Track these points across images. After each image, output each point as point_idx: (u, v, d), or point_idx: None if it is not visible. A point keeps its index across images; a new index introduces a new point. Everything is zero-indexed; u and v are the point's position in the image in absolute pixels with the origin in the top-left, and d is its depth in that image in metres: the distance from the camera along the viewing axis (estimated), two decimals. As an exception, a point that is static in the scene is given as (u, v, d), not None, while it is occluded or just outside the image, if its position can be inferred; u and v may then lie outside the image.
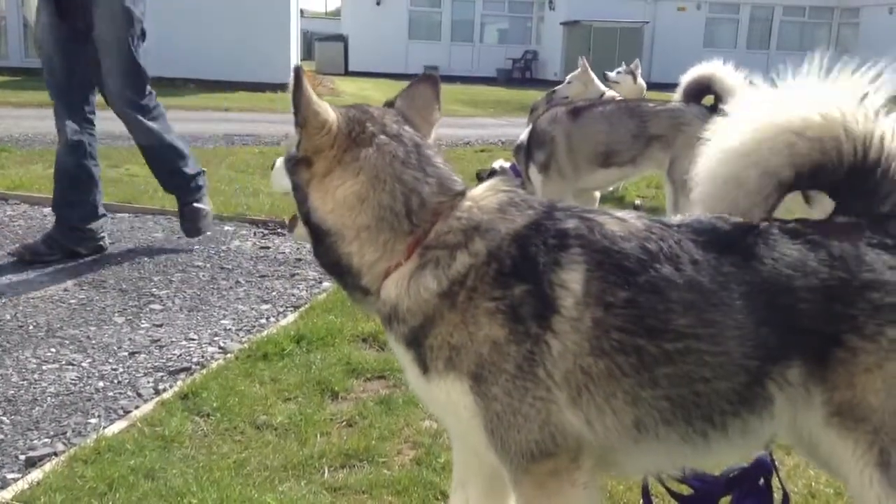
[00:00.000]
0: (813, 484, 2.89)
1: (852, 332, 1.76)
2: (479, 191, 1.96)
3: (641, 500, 2.39)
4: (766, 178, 1.95)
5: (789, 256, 1.82)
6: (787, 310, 1.78)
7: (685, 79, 5.75)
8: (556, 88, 8.99)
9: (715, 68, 5.50)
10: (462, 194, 1.93)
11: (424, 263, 1.85)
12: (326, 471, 2.96)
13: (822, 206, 2.13)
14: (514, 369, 1.74)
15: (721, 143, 2.00)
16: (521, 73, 33.03)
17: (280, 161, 2.11)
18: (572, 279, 1.77)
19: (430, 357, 1.82)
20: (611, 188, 8.88)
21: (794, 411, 1.84)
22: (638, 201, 8.40)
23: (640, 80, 9.61)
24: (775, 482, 2.36)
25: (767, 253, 1.82)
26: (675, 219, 1.96)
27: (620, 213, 1.95)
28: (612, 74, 9.61)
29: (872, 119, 1.92)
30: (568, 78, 8.98)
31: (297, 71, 1.89)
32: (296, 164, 1.94)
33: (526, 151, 6.11)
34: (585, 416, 1.78)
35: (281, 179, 2.07)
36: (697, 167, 2.03)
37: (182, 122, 14.00)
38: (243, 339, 4.35)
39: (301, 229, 2.04)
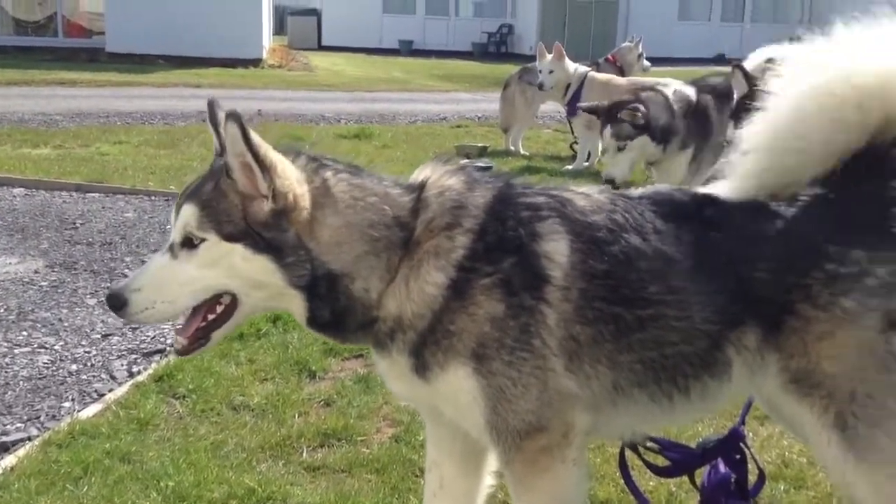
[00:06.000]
0: (786, 454, 2.94)
1: (806, 302, 1.80)
2: (436, 175, 1.93)
3: (619, 473, 2.41)
4: (840, 139, 1.86)
5: (746, 227, 1.87)
6: (744, 278, 1.83)
7: (753, 60, 5.46)
8: (540, 82, 8.77)
9: (785, 50, 5.39)
10: (423, 186, 1.90)
11: (419, 261, 1.81)
12: (305, 450, 2.95)
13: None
14: (513, 342, 1.77)
15: (795, 100, 1.89)
16: (497, 48, 32.73)
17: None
18: (557, 251, 1.80)
19: (430, 354, 1.80)
20: (586, 163, 8.84)
21: (750, 375, 1.90)
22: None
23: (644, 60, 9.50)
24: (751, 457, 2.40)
25: (725, 223, 1.88)
26: (636, 191, 2.00)
27: (582, 189, 1.98)
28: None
29: None
30: (548, 67, 8.71)
31: (238, 120, 1.69)
32: (276, 228, 1.76)
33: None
34: (577, 382, 1.82)
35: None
36: (751, 132, 1.93)
37: (153, 99, 13.78)
38: (219, 320, 4.31)
39: (224, 332, 1.91)
